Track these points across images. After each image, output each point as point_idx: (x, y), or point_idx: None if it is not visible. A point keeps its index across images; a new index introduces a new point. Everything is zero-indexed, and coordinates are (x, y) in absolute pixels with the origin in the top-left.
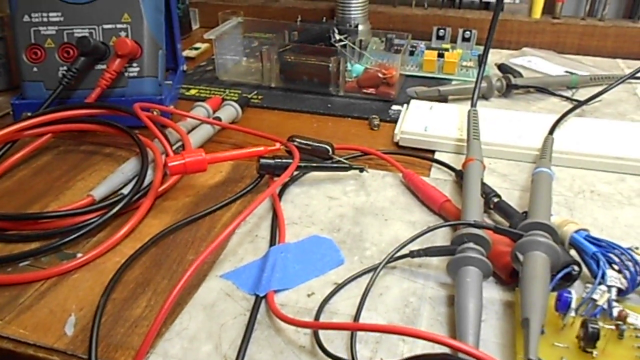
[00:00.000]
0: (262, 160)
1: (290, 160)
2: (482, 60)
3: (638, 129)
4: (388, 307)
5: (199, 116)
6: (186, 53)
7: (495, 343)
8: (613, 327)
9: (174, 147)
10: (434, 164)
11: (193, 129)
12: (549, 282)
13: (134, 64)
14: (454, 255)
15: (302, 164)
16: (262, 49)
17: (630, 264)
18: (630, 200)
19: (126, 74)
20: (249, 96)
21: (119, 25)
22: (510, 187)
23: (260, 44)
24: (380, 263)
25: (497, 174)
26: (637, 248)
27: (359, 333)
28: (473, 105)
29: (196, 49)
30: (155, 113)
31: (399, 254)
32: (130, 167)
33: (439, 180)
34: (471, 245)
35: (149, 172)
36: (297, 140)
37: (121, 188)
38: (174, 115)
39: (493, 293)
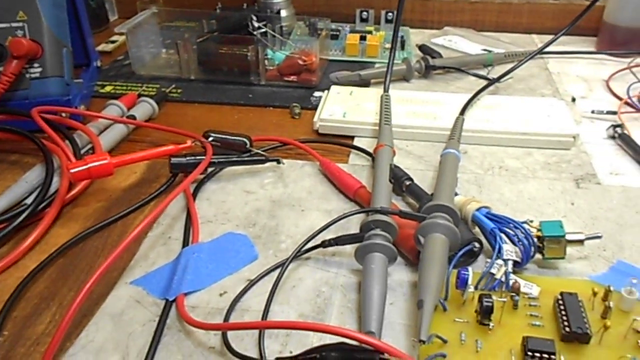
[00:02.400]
0: (173, 159)
1: (203, 157)
2: (394, 46)
3: (544, 103)
4: (300, 299)
5: (110, 116)
6: (102, 47)
7: (401, 324)
8: (505, 299)
9: (85, 150)
10: (353, 150)
11: (106, 129)
12: (446, 263)
13: (36, 65)
14: (360, 243)
15: (216, 160)
16: (178, 40)
17: (524, 237)
18: (534, 173)
19: (27, 76)
20: (167, 90)
21: (14, 24)
22: (425, 168)
23: (180, 34)
24: (288, 257)
25: (414, 156)
26: (531, 221)
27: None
28: (385, 90)
29: (113, 42)
30: (63, 115)
31: (312, 244)
32: (34, 175)
33: (357, 167)
34: (378, 231)
35: (55, 179)
36: (213, 135)
37: (25, 198)
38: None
39: (402, 275)
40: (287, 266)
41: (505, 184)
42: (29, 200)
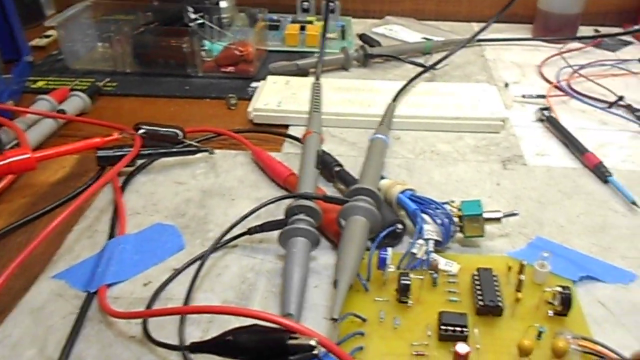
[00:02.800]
0: (100, 152)
1: (130, 149)
2: (324, 34)
3: (477, 89)
4: (225, 285)
5: (37, 110)
6: (35, 42)
7: (324, 306)
8: (423, 277)
9: (10, 146)
10: (287, 139)
11: (35, 124)
12: (364, 244)
13: None
14: (283, 228)
15: (146, 152)
16: (112, 33)
17: (444, 217)
18: (464, 156)
19: None
20: (101, 84)
21: None
22: (358, 154)
23: (115, 27)
24: (212, 245)
25: (347, 143)
26: (453, 202)
27: (192, 315)
28: (317, 78)
29: (47, 37)
30: None
31: (238, 232)
32: None
33: (290, 155)
34: (301, 216)
35: None
36: (144, 127)
37: None
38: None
39: (329, 259)
40: (208, 254)
41: (435, 168)
42: None
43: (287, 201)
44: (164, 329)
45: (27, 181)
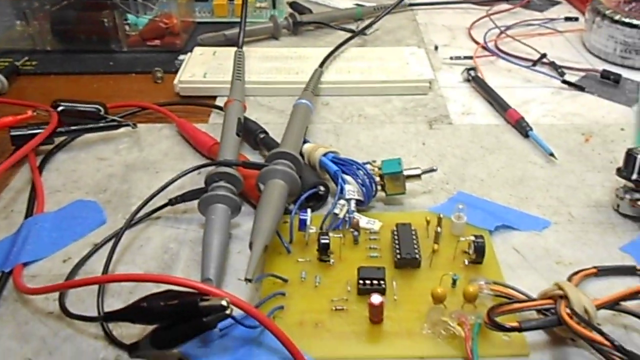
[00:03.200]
0: (13, 132)
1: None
2: (245, 1)
3: (406, 52)
4: (146, 257)
5: None
6: None
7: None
8: (341, 235)
9: None
10: (214, 110)
11: None
12: (280, 207)
13: None
14: (202, 196)
15: (64, 129)
16: (26, 10)
17: (365, 177)
18: (391, 118)
19: None
20: (19, 64)
21: None
22: (285, 122)
23: (31, 3)
24: (130, 217)
25: (275, 111)
26: (374, 162)
27: (113, 287)
28: (239, 46)
29: None
30: None
31: (161, 203)
32: None
33: (217, 125)
34: (221, 183)
35: None
36: (62, 104)
37: None
38: None
39: (251, 225)
40: (126, 226)
41: (363, 131)
42: None
43: (209, 170)
44: (84, 303)
45: None
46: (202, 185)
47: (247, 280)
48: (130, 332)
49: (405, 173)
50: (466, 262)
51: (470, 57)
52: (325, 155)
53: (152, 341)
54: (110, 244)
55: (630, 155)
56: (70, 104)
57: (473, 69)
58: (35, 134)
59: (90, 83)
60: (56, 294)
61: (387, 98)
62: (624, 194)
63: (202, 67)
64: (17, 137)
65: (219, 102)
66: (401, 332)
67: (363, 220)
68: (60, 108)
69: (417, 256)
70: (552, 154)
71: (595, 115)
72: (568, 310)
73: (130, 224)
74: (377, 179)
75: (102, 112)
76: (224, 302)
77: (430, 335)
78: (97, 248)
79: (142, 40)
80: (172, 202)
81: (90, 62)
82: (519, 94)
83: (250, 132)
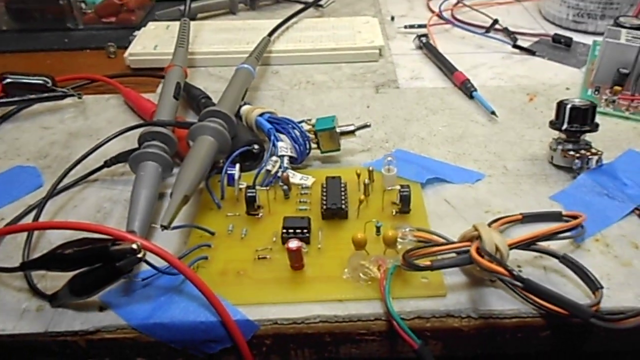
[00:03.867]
0: None
1: None
2: None
3: (360, 21)
4: (79, 216)
5: None
6: None
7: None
8: (267, 188)
9: None
10: (162, 80)
11: None
12: (205, 161)
13: None
14: (132, 154)
15: (7, 100)
16: None
17: (298, 134)
18: (339, 84)
19: None
20: None
21: None
22: None
23: None
24: (60, 176)
25: (224, 80)
26: (309, 120)
27: (42, 243)
28: (184, 15)
29: None
30: None
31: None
32: None
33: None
34: (154, 142)
35: None
36: (10, 76)
37: None
38: None
39: None
40: (56, 184)
41: (308, 96)
42: None
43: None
44: (11, 259)
45: None
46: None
47: (163, 226)
48: (56, 284)
49: (339, 130)
50: (394, 213)
51: (424, 26)
52: (261, 115)
53: (70, 289)
54: (46, 205)
55: (560, 106)
56: (16, 76)
57: (425, 35)
58: None
59: (44, 60)
60: None
61: (337, 66)
62: (556, 145)
63: (153, 40)
64: None
65: None
66: (322, 277)
67: (297, 177)
68: (6, 80)
69: (343, 206)
70: (493, 112)
71: (543, 77)
72: (479, 249)
73: (60, 182)
74: (312, 136)
75: (50, 85)
76: (134, 246)
77: (350, 279)
78: (30, 209)
79: (98, 18)
80: (107, 163)
81: (45, 39)
82: (469, 60)
83: (193, 98)
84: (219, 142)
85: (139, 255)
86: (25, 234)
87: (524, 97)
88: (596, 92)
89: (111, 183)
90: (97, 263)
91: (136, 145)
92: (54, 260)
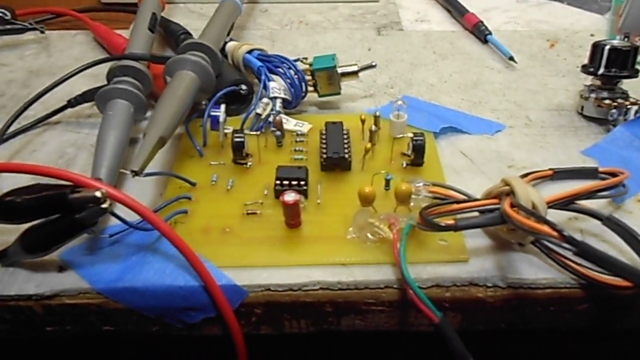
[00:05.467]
0: None
1: None
2: None
3: None
4: (38, 162)
5: None
6: None
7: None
8: (258, 133)
9: None
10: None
11: None
12: (185, 99)
13: None
14: (99, 90)
15: None
16: None
17: (293, 74)
18: (336, 25)
19: None
20: None
21: None
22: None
23: None
24: (9, 119)
25: (205, 17)
26: (305, 58)
27: None
28: None
29: None
30: None
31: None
32: None
33: None
34: (124, 78)
35: None
36: None
37: None
38: None
39: None
40: (5, 128)
41: (301, 37)
42: None
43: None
44: None
45: None
46: None
47: (134, 172)
48: (6, 239)
49: (340, 70)
50: (404, 165)
51: None
52: (250, 52)
53: (22, 244)
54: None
55: (597, 47)
56: None
57: None
58: None
59: None
60: None
61: (332, 5)
62: (588, 93)
63: None
64: None
65: None
66: (322, 237)
67: (291, 123)
68: None
69: (346, 156)
70: (511, 58)
71: (563, 22)
72: (514, 206)
73: (14, 122)
74: (308, 77)
75: (9, 17)
76: (97, 194)
77: (356, 239)
78: None
79: None
80: (71, 102)
81: None
82: (480, 2)
83: (172, 34)
84: (201, 79)
85: (104, 206)
86: None
87: (544, 43)
88: (625, 39)
89: (76, 125)
90: (54, 214)
91: (105, 83)
92: (1, 209)
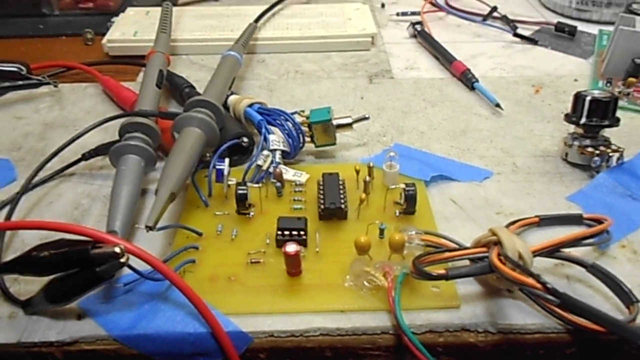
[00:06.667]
0: None
1: None
2: None
3: (350, 8)
4: (55, 213)
5: None
6: None
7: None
8: (259, 185)
9: None
10: (142, 69)
11: None
12: (193, 155)
13: None
14: (113, 146)
15: None
16: None
17: (291, 127)
18: (330, 74)
19: None
20: None
21: None
22: None
23: None
24: (34, 171)
25: (207, 69)
26: (302, 111)
27: (15, 244)
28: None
29: None
30: None
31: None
32: None
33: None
34: (136, 134)
35: None
36: None
37: None
38: None
39: None
40: (30, 179)
41: (298, 86)
42: None
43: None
44: None
45: None
46: None
47: (148, 227)
48: (31, 288)
49: (335, 122)
50: (397, 213)
51: (418, 13)
52: (250, 106)
53: (46, 295)
54: (20, 200)
55: (578, 97)
56: None
57: (419, 23)
58: None
59: (18, 47)
60: None
61: (326, 55)
62: (572, 140)
63: (133, 27)
64: None
65: None
66: (321, 284)
67: (289, 173)
68: None
69: (343, 206)
70: (498, 105)
71: (548, 67)
72: (500, 256)
73: (35, 176)
74: (305, 129)
75: (24, 72)
76: (117, 249)
77: (353, 287)
78: (2, 205)
79: (75, 3)
80: (85, 156)
81: (19, 26)
82: (467, 49)
83: (176, 87)
84: (207, 134)
85: (122, 260)
86: None
87: (529, 89)
88: (608, 84)
89: (89, 177)
90: (75, 267)
91: (116, 138)
92: (28, 263)
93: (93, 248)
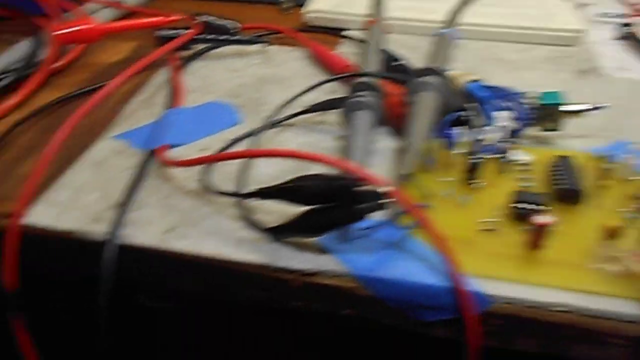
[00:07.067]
0: (159, 32)
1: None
2: None
3: (549, 3)
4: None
5: None
6: None
7: None
8: (492, 156)
9: None
10: (341, 41)
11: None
12: (432, 116)
13: None
14: (348, 100)
15: (203, 37)
16: None
17: (518, 106)
18: (533, 65)
19: None
20: None
21: None
22: (419, 56)
23: None
24: (268, 122)
25: (407, 47)
26: (527, 92)
27: (253, 175)
28: None
29: None
30: None
31: (297, 110)
32: (23, 47)
33: (346, 53)
34: (365, 93)
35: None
36: (204, 15)
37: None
38: None
39: (385, 143)
40: (264, 127)
41: (502, 73)
42: None
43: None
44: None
45: (88, 61)
46: None
47: (403, 175)
48: (267, 218)
49: (564, 108)
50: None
51: (623, 15)
52: (472, 82)
53: (299, 225)
54: (245, 141)
55: None
56: (210, 17)
57: (628, 24)
58: (176, 36)
59: (219, 8)
60: (196, 175)
61: (527, 46)
62: None
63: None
64: (162, 37)
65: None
66: (562, 261)
67: (514, 152)
68: (202, 18)
69: (580, 188)
70: None
71: None
72: None
73: (267, 125)
74: (531, 111)
75: (237, 29)
76: (381, 190)
77: (598, 270)
78: (233, 142)
79: None
80: (311, 109)
81: None
82: None
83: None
84: (443, 100)
85: (383, 202)
86: (231, 166)
87: None
88: None
89: (308, 130)
90: (336, 200)
91: (323, 99)
92: (291, 192)
93: (356, 185)
